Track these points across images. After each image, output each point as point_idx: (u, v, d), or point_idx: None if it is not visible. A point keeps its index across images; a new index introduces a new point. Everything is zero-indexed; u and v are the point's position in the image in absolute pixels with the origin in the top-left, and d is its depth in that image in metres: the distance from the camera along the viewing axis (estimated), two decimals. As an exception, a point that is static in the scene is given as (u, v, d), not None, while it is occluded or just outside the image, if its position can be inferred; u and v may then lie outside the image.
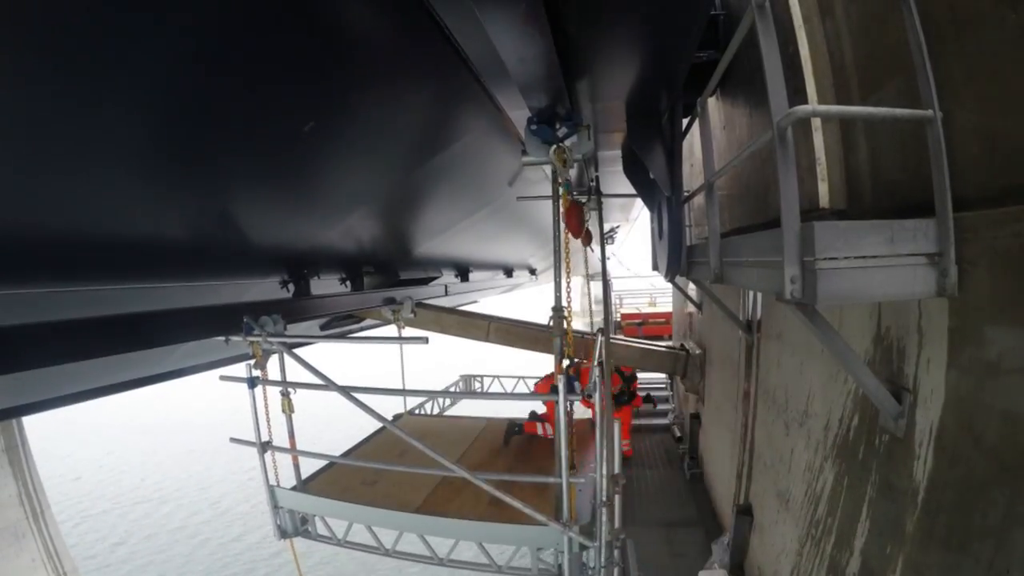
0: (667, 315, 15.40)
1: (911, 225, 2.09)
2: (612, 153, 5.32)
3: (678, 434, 9.96)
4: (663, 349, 9.03)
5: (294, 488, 4.07)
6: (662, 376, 12.08)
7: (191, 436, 22.58)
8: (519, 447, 5.15)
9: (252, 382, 3.65)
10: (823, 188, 3.12)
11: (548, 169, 3.43)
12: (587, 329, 9.71)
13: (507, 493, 3.16)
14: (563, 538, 3.19)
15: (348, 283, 5.47)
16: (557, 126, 3.30)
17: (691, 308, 9.41)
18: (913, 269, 2.09)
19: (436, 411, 7.76)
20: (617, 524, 3.25)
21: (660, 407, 11.36)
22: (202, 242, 3.13)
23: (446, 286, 8.02)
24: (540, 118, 3.28)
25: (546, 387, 6.89)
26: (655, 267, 6.43)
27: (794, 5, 3.23)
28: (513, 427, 5.46)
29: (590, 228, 6.65)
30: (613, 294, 17.08)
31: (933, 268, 2.09)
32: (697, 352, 8.38)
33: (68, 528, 13.36)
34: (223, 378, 3.84)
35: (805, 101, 3.09)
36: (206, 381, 5.04)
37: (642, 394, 8.77)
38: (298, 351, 3.67)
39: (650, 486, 8.37)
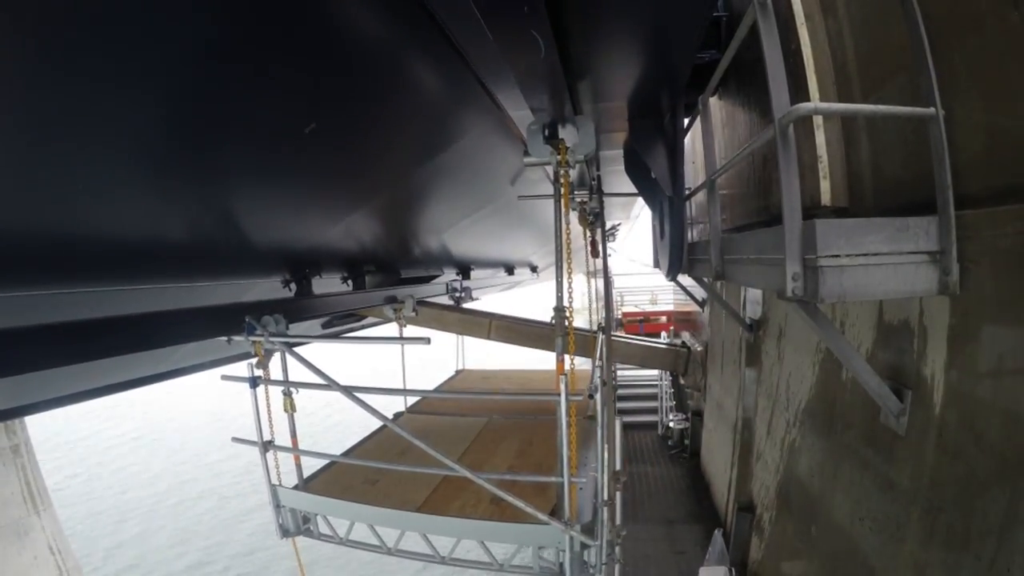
0: (668, 313, 15.43)
1: (913, 223, 2.09)
2: (614, 152, 5.30)
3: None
4: (664, 346, 9.03)
5: (296, 487, 4.07)
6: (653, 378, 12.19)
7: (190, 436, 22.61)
8: (519, 447, 5.15)
9: (254, 382, 3.66)
10: (825, 186, 3.12)
11: (550, 169, 3.43)
12: (590, 327, 9.70)
13: (508, 492, 3.17)
14: (564, 537, 3.20)
15: (350, 282, 5.46)
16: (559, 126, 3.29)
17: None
18: (915, 267, 2.10)
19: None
20: (618, 522, 3.25)
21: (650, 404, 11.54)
22: (204, 243, 3.12)
23: (447, 284, 8.02)
24: (542, 118, 3.28)
25: None
26: (656, 265, 6.43)
27: (796, 3, 3.23)
28: None
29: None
30: (614, 291, 17.07)
31: (935, 266, 2.09)
32: (698, 349, 8.38)
33: (70, 527, 13.38)
34: (225, 378, 3.84)
35: (807, 99, 3.09)
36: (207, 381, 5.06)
37: None
38: (299, 350, 3.67)
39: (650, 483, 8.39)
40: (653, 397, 11.88)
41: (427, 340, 3.44)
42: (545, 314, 8.23)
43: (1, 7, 1.28)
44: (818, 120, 3.12)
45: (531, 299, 18.20)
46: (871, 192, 2.90)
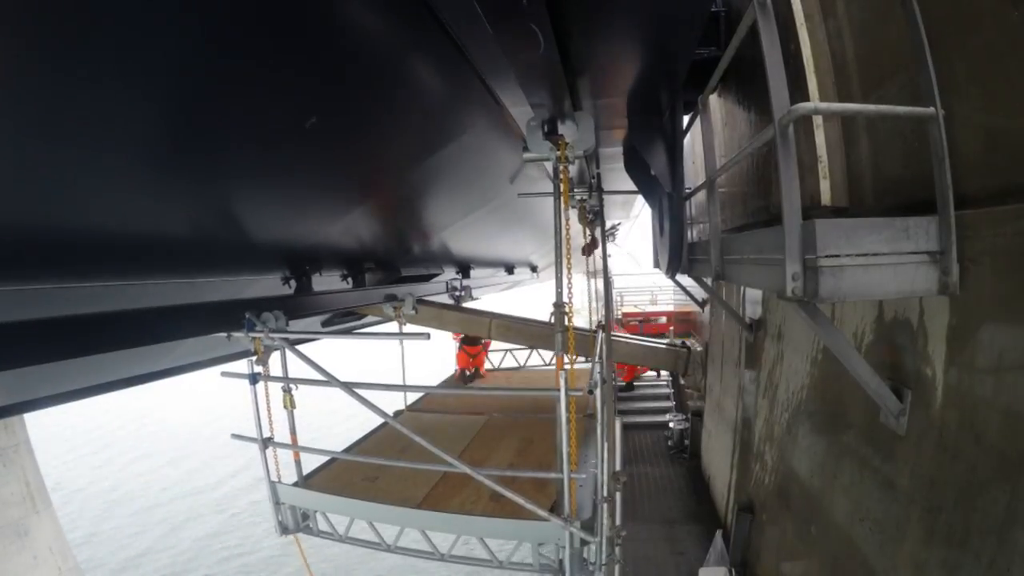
0: (669, 313, 15.39)
1: (913, 223, 2.09)
2: (613, 150, 5.31)
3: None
4: (664, 346, 9.03)
5: (295, 484, 4.08)
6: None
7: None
8: (519, 445, 5.16)
9: (254, 378, 3.67)
10: (825, 186, 3.11)
11: (549, 166, 3.43)
12: (589, 327, 9.70)
13: (508, 488, 3.17)
14: (564, 533, 3.20)
15: (349, 279, 5.47)
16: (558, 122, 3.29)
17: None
18: (915, 267, 2.09)
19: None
20: (618, 523, 3.25)
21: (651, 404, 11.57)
22: (204, 239, 3.13)
23: (447, 282, 8.03)
24: (541, 114, 3.28)
25: None
26: (656, 264, 6.43)
27: (796, 2, 3.22)
28: None
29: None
30: (614, 291, 17.02)
31: (935, 266, 2.09)
32: (698, 349, 8.39)
33: (69, 528, 13.39)
34: (224, 374, 3.85)
35: (807, 98, 3.08)
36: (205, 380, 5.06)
37: None
38: (299, 347, 3.68)
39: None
40: (655, 397, 11.89)
41: (427, 335, 3.45)
42: (544, 315, 8.29)
43: (2, 6, 1.28)
44: (818, 120, 3.12)
45: (531, 301, 18.21)
46: (871, 192, 2.89)
